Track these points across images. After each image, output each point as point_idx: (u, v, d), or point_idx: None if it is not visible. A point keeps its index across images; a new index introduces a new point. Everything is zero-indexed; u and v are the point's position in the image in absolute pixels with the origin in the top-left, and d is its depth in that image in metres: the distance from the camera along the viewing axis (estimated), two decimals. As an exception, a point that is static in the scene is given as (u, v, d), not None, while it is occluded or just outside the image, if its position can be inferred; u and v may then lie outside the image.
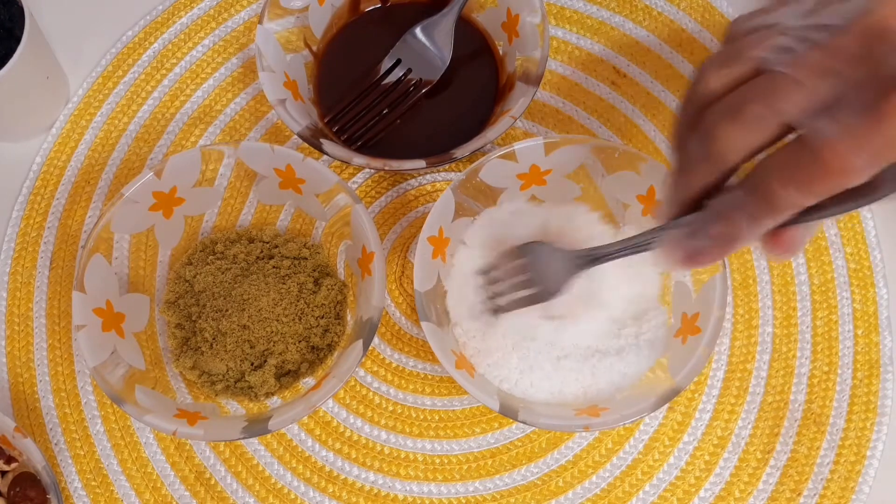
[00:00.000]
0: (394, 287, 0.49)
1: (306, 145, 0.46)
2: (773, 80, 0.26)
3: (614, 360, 0.43)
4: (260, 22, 0.48)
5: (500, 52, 0.52)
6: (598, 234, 0.46)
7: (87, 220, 0.51)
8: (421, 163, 0.45)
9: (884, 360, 0.47)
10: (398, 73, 0.50)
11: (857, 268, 0.49)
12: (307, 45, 0.51)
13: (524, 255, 0.42)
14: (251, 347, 0.44)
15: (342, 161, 0.46)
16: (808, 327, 0.48)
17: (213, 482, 0.46)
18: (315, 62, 0.52)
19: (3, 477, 0.43)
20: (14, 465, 0.43)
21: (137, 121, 0.53)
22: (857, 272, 0.49)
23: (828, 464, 0.45)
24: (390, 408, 0.47)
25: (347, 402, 0.47)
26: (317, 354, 0.45)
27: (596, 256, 0.39)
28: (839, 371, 0.47)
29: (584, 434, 0.46)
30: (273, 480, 0.46)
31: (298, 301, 0.45)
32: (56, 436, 0.46)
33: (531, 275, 0.42)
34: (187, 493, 0.45)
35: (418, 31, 0.50)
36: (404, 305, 0.49)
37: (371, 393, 0.47)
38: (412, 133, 0.50)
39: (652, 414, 0.44)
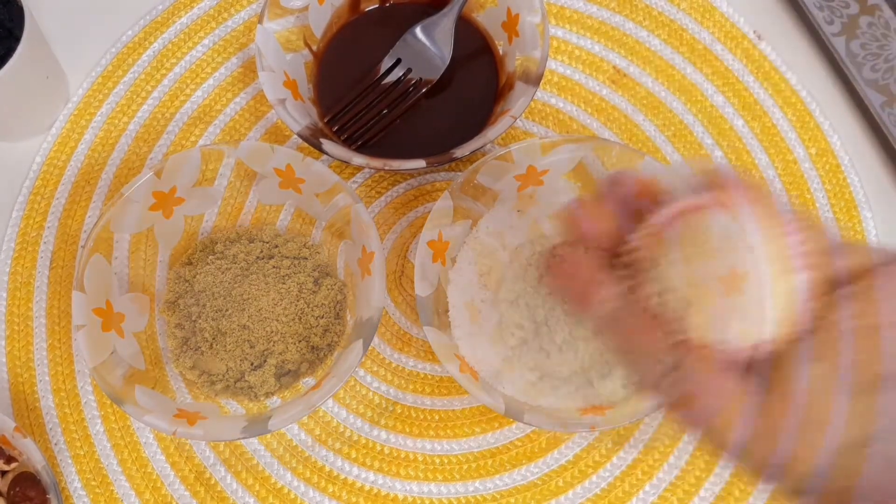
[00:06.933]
0: (393, 287, 0.49)
1: (306, 145, 0.46)
2: None
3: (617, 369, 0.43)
4: (260, 22, 0.48)
5: (500, 51, 0.52)
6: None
7: (87, 220, 0.51)
8: (421, 163, 0.45)
9: (884, 360, 0.47)
10: (398, 72, 0.50)
11: (857, 268, 0.49)
12: (307, 45, 0.51)
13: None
14: (251, 347, 0.44)
15: (342, 161, 0.46)
16: (808, 327, 0.48)
17: (213, 482, 0.46)
18: (315, 62, 0.52)
19: (2, 477, 0.43)
20: (14, 464, 0.43)
21: (137, 121, 0.53)
22: (857, 272, 0.49)
23: (828, 464, 0.45)
24: (390, 408, 0.47)
25: (347, 401, 0.47)
26: (317, 354, 0.45)
27: None
28: (839, 371, 0.47)
29: (583, 434, 0.46)
30: (273, 480, 0.46)
31: (298, 301, 0.45)
32: (56, 436, 0.46)
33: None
34: (187, 493, 0.45)
35: (418, 30, 0.50)
36: (404, 305, 0.49)
37: (371, 393, 0.47)
38: (412, 133, 0.50)
39: (652, 414, 0.44)
